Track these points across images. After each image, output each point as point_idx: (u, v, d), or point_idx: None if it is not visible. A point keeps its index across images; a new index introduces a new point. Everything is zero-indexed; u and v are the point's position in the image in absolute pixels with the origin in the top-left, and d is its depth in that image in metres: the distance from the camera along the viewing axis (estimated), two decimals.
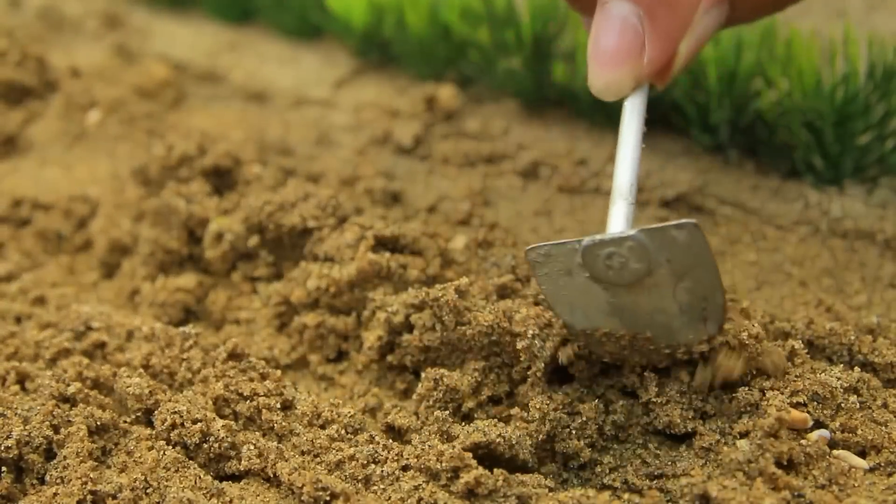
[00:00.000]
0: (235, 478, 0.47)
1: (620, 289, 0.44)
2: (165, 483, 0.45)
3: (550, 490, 0.45)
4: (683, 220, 0.42)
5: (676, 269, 0.43)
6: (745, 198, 0.65)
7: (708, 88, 0.66)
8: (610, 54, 0.46)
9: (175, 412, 0.48)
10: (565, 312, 0.47)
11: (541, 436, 0.47)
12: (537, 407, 0.48)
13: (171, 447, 0.48)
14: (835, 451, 0.46)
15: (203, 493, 0.45)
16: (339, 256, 0.57)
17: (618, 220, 0.45)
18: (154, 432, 0.48)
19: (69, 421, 0.48)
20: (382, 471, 0.46)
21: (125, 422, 0.50)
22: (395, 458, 0.46)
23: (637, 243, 0.42)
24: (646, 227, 0.42)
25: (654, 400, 0.48)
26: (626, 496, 0.45)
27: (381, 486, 0.45)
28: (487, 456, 0.46)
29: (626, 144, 0.47)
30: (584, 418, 0.48)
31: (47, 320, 0.58)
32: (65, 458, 0.46)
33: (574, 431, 0.47)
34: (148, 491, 0.45)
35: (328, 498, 0.44)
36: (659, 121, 0.72)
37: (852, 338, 0.51)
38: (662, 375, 0.49)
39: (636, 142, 0.47)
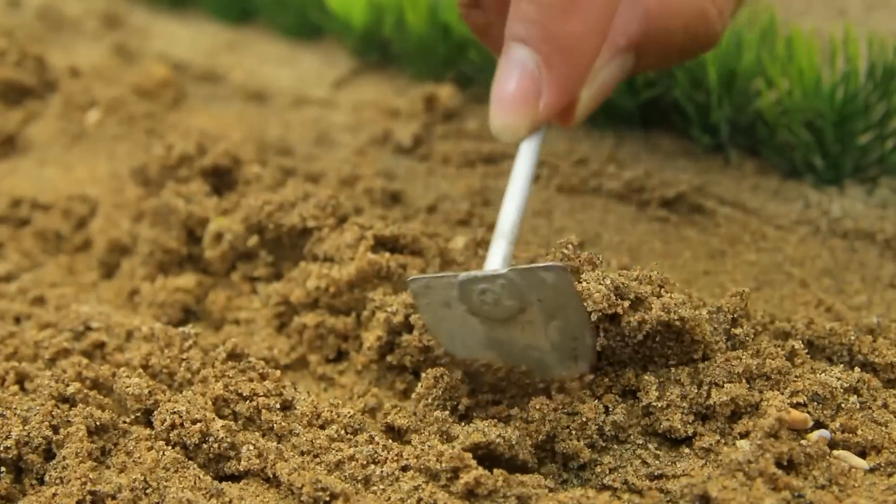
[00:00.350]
0: (235, 478, 0.47)
1: (496, 323, 0.46)
2: (165, 483, 0.45)
3: (550, 490, 0.45)
4: (550, 263, 0.44)
5: (547, 309, 0.45)
6: (745, 198, 0.65)
7: (708, 88, 0.66)
8: (508, 98, 0.47)
9: (174, 412, 0.48)
10: (446, 342, 0.49)
11: (541, 436, 0.47)
12: (537, 407, 0.48)
13: (170, 447, 0.47)
14: (835, 452, 0.46)
15: (202, 494, 0.45)
16: (339, 256, 0.57)
17: (495, 258, 0.46)
18: (153, 432, 0.48)
19: (68, 421, 0.48)
20: (382, 471, 0.46)
21: (124, 422, 0.49)
22: (395, 458, 0.46)
23: (508, 282, 0.44)
24: (516, 267, 0.44)
25: (654, 404, 0.47)
26: (626, 496, 0.45)
27: (381, 487, 0.45)
28: (487, 456, 0.46)
29: (515, 185, 0.48)
30: (584, 418, 0.48)
31: (46, 320, 0.58)
32: (64, 458, 0.46)
33: (574, 432, 0.47)
34: (147, 491, 0.45)
35: (328, 498, 0.44)
36: (659, 121, 0.72)
37: (852, 338, 0.51)
38: (662, 378, 0.49)
39: (525, 184, 0.48)
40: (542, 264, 0.44)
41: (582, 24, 0.45)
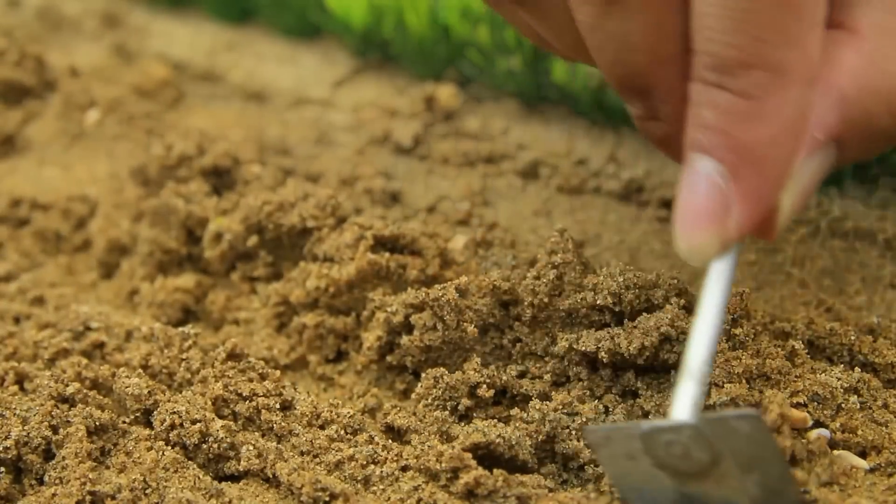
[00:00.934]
0: (235, 478, 0.47)
1: (687, 478, 0.41)
2: (164, 483, 0.45)
3: (550, 490, 0.45)
4: (744, 412, 0.39)
5: (742, 462, 0.39)
6: None
7: None
8: (694, 216, 0.41)
9: (174, 412, 0.48)
10: (634, 499, 0.43)
11: (541, 436, 0.47)
12: (537, 407, 0.48)
13: (170, 447, 0.47)
14: (835, 451, 0.46)
15: (202, 494, 0.45)
16: (339, 256, 0.57)
17: (682, 404, 0.40)
18: (153, 433, 0.48)
19: (68, 421, 0.48)
20: (382, 471, 0.46)
21: (124, 422, 0.49)
22: (395, 458, 0.46)
23: (696, 432, 0.39)
24: (706, 416, 0.39)
25: (653, 413, 0.48)
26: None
27: (381, 487, 0.45)
28: (487, 456, 0.46)
29: (705, 315, 0.42)
30: (584, 419, 0.48)
31: (46, 320, 0.58)
32: (63, 458, 0.46)
33: (574, 432, 0.47)
34: (147, 491, 0.45)
35: (327, 498, 0.44)
36: None
37: (853, 338, 0.51)
38: (663, 381, 0.49)
39: (717, 313, 0.42)
40: (734, 412, 0.39)
41: (771, 128, 0.40)
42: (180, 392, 0.52)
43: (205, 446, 0.47)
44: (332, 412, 0.49)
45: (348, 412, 0.49)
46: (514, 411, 0.49)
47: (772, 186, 0.41)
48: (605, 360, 0.49)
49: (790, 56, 0.39)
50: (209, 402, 0.49)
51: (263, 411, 0.49)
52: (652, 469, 0.41)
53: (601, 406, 0.49)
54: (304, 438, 0.48)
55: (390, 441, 0.48)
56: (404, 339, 0.53)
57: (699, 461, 0.40)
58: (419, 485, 0.44)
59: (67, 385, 0.50)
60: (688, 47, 0.41)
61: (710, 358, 0.41)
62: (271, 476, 0.46)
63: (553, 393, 0.50)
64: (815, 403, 0.47)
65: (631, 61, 0.44)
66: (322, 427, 0.49)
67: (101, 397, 0.51)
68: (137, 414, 0.50)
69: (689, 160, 0.42)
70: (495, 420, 0.49)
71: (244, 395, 0.50)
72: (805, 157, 0.43)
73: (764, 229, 0.44)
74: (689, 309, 0.50)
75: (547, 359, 0.51)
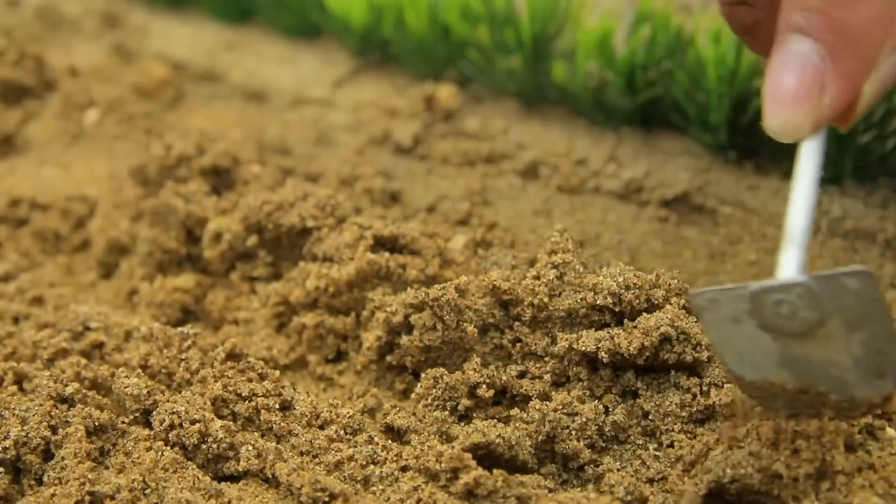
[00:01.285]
0: (234, 478, 0.47)
1: (791, 339, 0.42)
2: (164, 484, 0.45)
3: (550, 491, 0.45)
4: (856, 268, 0.40)
5: (849, 320, 0.40)
6: (745, 198, 0.65)
7: (708, 88, 0.65)
8: (789, 94, 0.43)
9: (173, 412, 0.48)
10: (734, 363, 0.44)
11: (540, 436, 0.47)
12: (536, 408, 0.48)
13: (169, 448, 0.47)
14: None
15: (201, 494, 0.45)
16: (338, 256, 0.57)
17: (788, 266, 0.42)
18: (152, 433, 0.48)
19: (67, 421, 0.48)
20: (381, 471, 0.45)
21: (123, 422, 0.49)
22: (395, 458, 0.46)
23: (807, 290, 0.40)
24: (817, 274, 0.40)
25: (653, 413, 0.47)
26: (626, 497, 0.45)
27: (381, 487, 0.45)
28: (487, 456, 0.46)
29: (802, 188, 0.44)
30: (584, 419, 0.48)
31: (45, 320, 0.58)
32: (63, 458, 0.46)
33: (574, 432, 0.47)
34: (146, 492, 0.45)
35: (327, 498, 0.44)
36: (659, 120, 0.72)
37: None
38: (663, 381, 0.49)
39: (812, 186, 0.44)
40: (844, 269, 0.39)
41: (869, 10, 0.42)
42: (179, 392, 0.52)
43: (204, 446, 0.47)
44: (331, 412, 0.49)
45: (348, 412, 0.49)
46: (514, 411, 0.49)
47: (864, 67, 0.43)
48: (605, 360, 0.49)
49: None
50: (208, 403, 0.49)
51: (263, 411, 0.49)
52: (756, 331, 0.42)
53: (601, 406, 0.49)
54: (304, 438, 0.48)
55: (390, 441, 0.48)
56: (404, 339, 0.52)
57: (806, 320, 0.40)
58: (419, 485, 0.44)
59: (66, 385, 0.50)
60: None
61: (810, 226, 0.43)
62: (271, 476, 0.46)
63: (553, 393, 0.50)
64: None
65: None
66: (321, 427, 0.49)
67: (101, 397, 0.51)
68: (137, 414, 0.50)
69: (783, 41, 0.43)
70: (495, 420, 0.49)
71: (243, 395, 0.50)
72: (889, 50, 0.44)
73: (844, 115, 0.45)
74: (690, 309, 0.50)
75: (547, 359, 0.51)
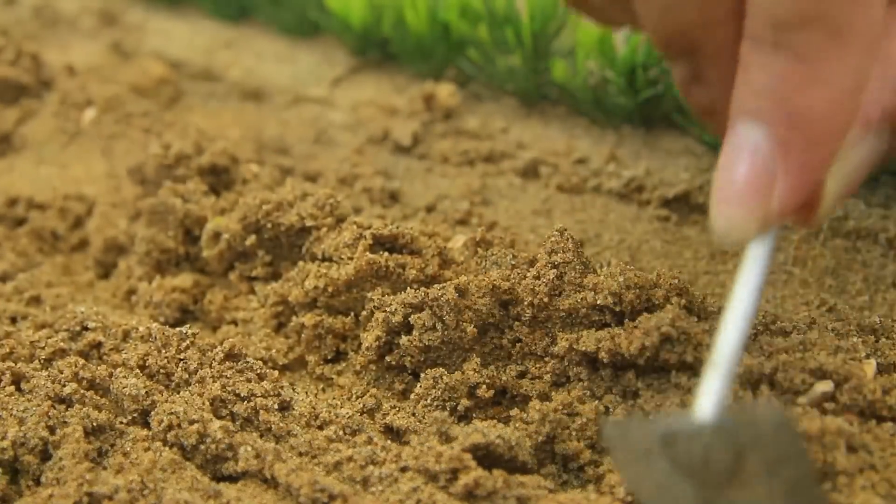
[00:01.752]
0: (233, 479, 0.47)
1: (709, 486, 0.38)
2: (162, 484, 0.45)
3: (550, 491, 0.45)
4: (767, 410, 0.37)
5: (768, 463, 0.37)
6: None
7: None
8: (734, 188, 0.38)
9: (172, 413, 0.48)
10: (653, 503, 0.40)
11: (540, 437, 0.47)
12: (536, 408, 0.48)
13: (167, 448, 0.47)
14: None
15: (200, 495, 0.45)
16: (338, 256, 0.57)
17: (706, 399, 0.38)
18: (150, 433, 0.48)
19: (65, 422, 0.48)
20: (381, 472, 0.45)
21: (121, 423, 0.49)
22: (394, 459, 0.46)
23: (718, 433, 0.37)
24: (729, 415, 0.37)
25: (654, 413, 0.47)
26: (626, 497, 0.45)
27: (380, 488, 0.45)
28: (487, 457, 0.46)
29: (738, 302, 0.39)
30: (584, 419, 0.47)
31: (43, 320, 0.58)
32: (61, 459, 0.46)
33: (574, 432, 0.47)
34: (144, 492, 0.44)
35: (326, 499, 0.43)
36: (659, 120, 0.72)
37: (855, 338, 0.50)
38: (664, 381, 0.49)
39: (752, 302, 0.39)
40: (757, 411, 0.37)
41: (826, 94, 0.37)
42: (178, 392, 0.51)
43: (202, 447, 0.47)
44: (330, 413, 0.49)
45: (347, 412, 0.49)
46: (514, 412, 0.49)
47: (821, 160, 0.38)
48: (605, 360, 0.49)
49: (853, 14, 0.36)
50: (207, 403, 0.49)
51: (262, 412, 0.49)
52: (672, 473, 0.38)
53: (601, 406, 0.49)
54: (303, 439, 0.48)
55: (389, 442, 0.48)
56: (403, 340, 0.52)
57: (721, 464, 0.37)
58: (418, 486, 0.44)
59: (64, 385, 0.50)
60: (741, 6, 0.38)
61: (741, 349, 0.38)
62: (269, 477, 0.46)
63: (553, 393, 0.50)
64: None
65: (680, 17, 0.40)
66: (321, 427, 0.49)
67: (99, 398, 0.51)
68: (135, 414, 0.50)
69: (733, 128, 0.39)
70: (495, 420, 0.49)
71: (242, 395, 0.49)
72: (858, 136, 0.41)
73: (805, 214, 0.41)
74: (690, 309, 0.49)
75: (547, 359, 0.51)
